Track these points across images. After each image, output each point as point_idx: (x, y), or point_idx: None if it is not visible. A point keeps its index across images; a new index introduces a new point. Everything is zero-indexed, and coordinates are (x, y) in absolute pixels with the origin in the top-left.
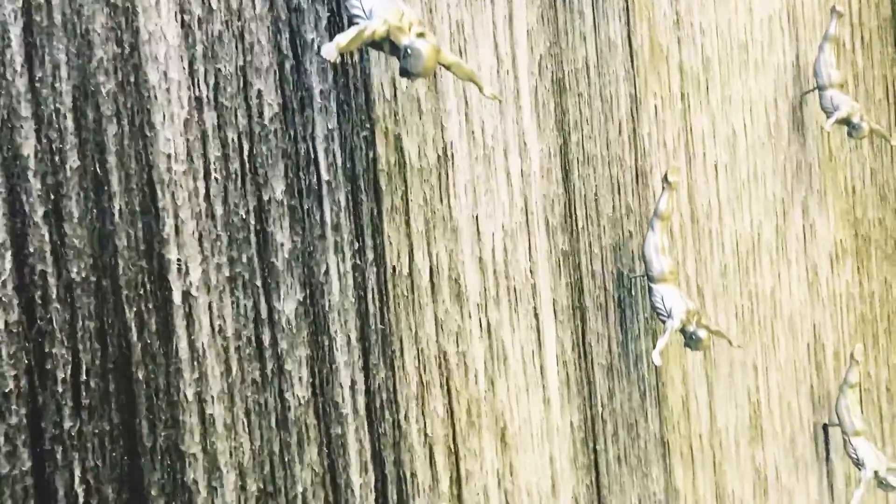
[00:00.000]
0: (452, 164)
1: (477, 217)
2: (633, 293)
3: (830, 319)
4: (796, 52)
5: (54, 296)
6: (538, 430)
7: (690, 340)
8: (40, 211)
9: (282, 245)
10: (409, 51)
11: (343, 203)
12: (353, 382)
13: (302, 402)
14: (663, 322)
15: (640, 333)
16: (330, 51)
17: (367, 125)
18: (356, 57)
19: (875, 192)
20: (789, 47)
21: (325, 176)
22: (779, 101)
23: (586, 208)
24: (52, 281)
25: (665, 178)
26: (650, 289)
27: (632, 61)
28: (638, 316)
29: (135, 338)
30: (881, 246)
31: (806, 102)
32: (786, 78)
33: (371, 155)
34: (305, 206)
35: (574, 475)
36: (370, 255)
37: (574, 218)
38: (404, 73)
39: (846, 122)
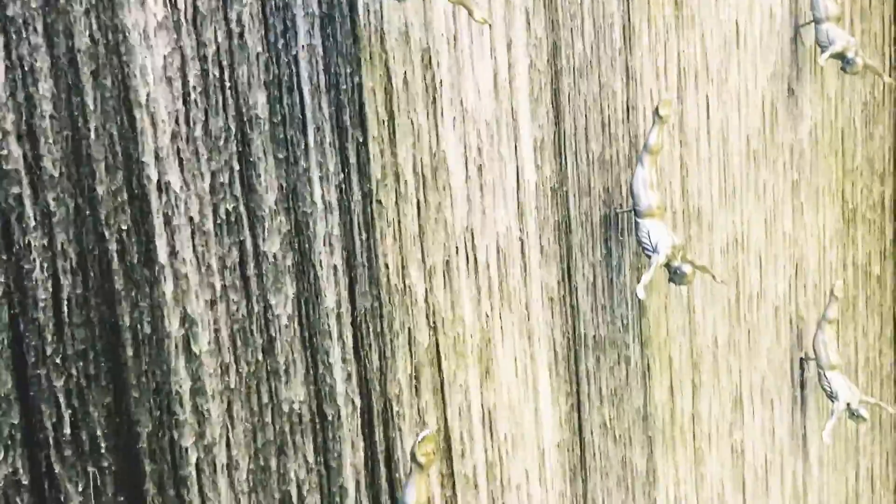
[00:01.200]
0: (441, 89)
1: (465, 144)
2: (622, 273)
3: (814, 293)
4: (795, 24)
5: (31, 218)
6: (522, 373)
7: (675, 275)
8: (13, 133)
9: (265, 170)
10: None
11: (328, 129)
12: (339, 312)
13: (287, 325)
14: (649, 257)
15: (628, 306)
16: None
17: (353, 48)
18: None
19: (867, 165)
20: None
21: (308, 100)
22: (773, 82)
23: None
24: (28, 203)
25: (656, 112)
26: (637, 223)
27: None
28: (626, 290)
29: (116, 262)
30: (866, 216)
31: (801, 39)
32: (783, 47)
33: (357, 80)
34: (289, 132)
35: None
36: (354, 180)
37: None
38: None
39: (840, 56)
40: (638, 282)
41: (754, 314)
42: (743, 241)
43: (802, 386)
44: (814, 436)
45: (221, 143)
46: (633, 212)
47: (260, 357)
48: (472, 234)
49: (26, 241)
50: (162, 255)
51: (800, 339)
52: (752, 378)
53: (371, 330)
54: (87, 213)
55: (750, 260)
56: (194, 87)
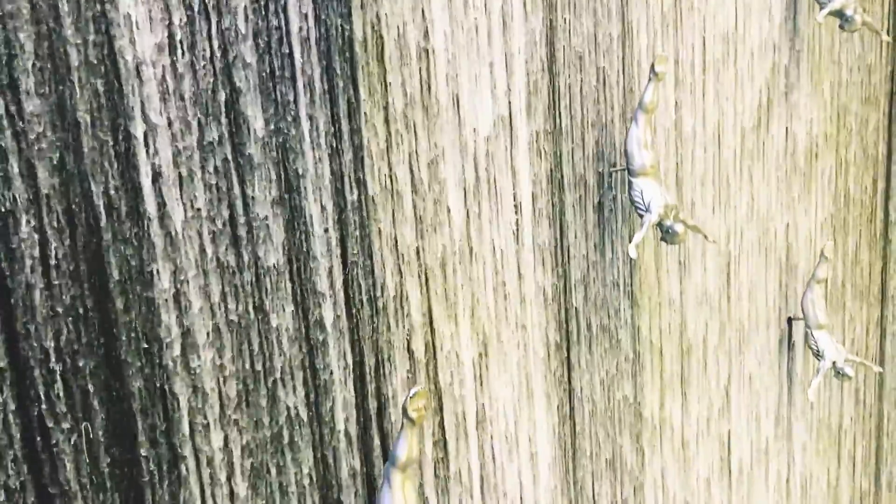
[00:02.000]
0: (433, 49)
1: (459, 108)
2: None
3: (805, 282)
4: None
5: (16, 173)
6: (516, 367)
7: (667, 234)
8: None
9: (254, 128)
10: None
11: (318, 84)
12: (331, 268)
13: (278, 281)
14: (641, 216)
15: (621, 296)
16: None
17: (349, 43)
18: None
19: (861, 151)
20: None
21: (298, 54)
22: (770, 71)
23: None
24: (12, 158)
25: (652, 69)
26: (630, 182)
27: None
28: (620, 280)
29: (103, 219)
30: (857, 202)
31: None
32: (781, 35)
33: (352, 75)
34: (278, 88)
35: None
36: (351, 179)
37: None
38: None
39: (839, 13)
40: (634, 268)
41: (745, 305)
42: (736, 233)
43: (790, 371)
44: (799, 425)
45: (215, 146)
46: (626, 171)
47: (257, 360)
48: (469, 232)
49: (11, 197)
50: (151, 210)
51: (789, 332)
52: (742, 369)
53: (368, 329)
54: (74, 168)
55: (742, 251)
56: (182, 41)
